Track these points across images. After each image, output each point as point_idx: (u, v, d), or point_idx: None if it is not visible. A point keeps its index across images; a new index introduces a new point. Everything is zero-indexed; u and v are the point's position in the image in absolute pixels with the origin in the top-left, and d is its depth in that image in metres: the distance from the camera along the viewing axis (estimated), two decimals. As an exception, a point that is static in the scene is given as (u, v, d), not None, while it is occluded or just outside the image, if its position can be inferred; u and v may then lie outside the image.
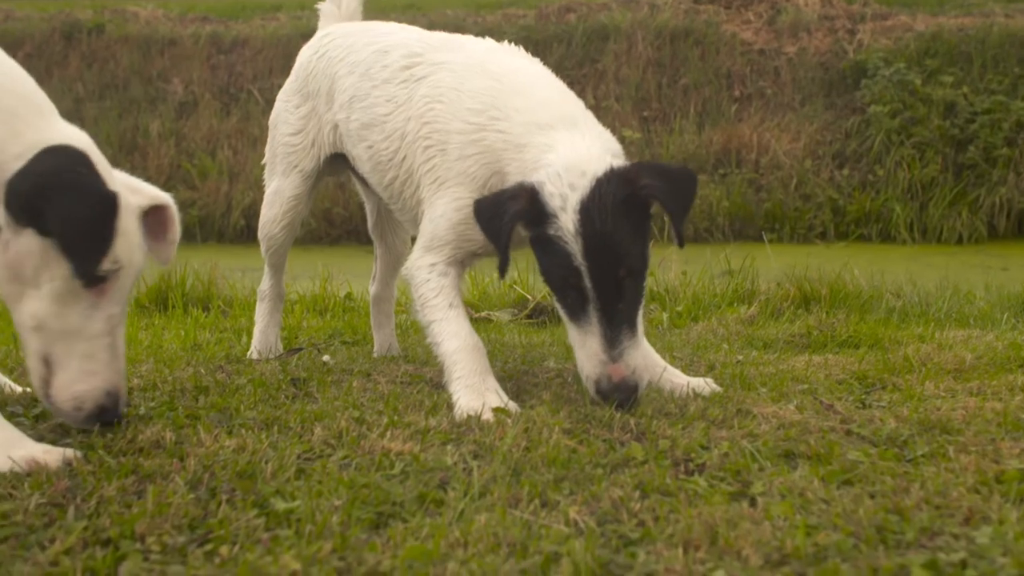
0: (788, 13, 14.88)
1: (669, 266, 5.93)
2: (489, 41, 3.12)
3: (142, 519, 1.79)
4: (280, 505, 1.89)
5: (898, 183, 12.24)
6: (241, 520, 1.82)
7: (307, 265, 6.54)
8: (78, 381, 2.27)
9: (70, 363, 2.26)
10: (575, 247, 2.54)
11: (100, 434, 2.34)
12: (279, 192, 3.57)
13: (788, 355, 3.72)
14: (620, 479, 2.07)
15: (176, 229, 2.50)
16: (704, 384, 2.95)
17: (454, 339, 2.79)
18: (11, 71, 2.32)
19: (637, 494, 1.99)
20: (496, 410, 2.58)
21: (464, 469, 2.12)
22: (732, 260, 6.17)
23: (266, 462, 2.13)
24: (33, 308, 2.23)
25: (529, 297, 5.17)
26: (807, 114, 13.51)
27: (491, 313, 5.02)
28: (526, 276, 5.52)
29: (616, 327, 2.57)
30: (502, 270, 2.67)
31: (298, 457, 2.19)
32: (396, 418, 2.53)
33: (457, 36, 3.20)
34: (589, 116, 2.86)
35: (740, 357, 3.62)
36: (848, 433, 2.45)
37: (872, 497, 1.99)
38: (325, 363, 3.44)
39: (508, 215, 2.58)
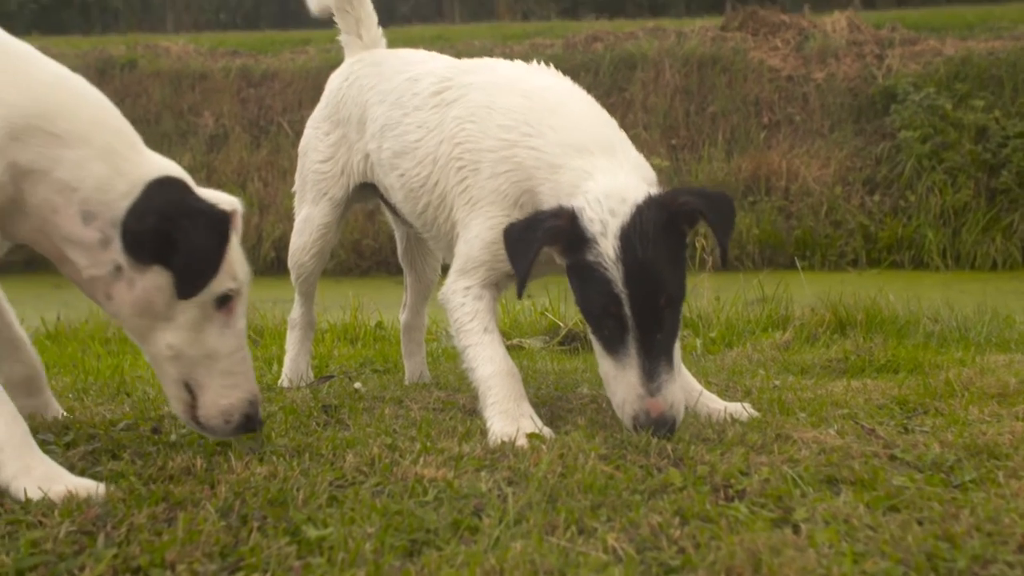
0: (816, 39, 14.88)
1: (702, 293, 5.89)
2: (519, 63, 3.11)
3: (172, 547, 1.76)
4: (312, 532, 1.86)
5: (930, 209, 12.15)
6: (273, 548, 1.79)
7: (338, 296, 6.55)
8: (223, 397, 2.33)
9: (212, 383, 2.32)
10: (616, 274, 2.50)
11: (131, 461, 2.33)
12: (309, 220, 3.56)
13: (826, 380, 3.66)
14: (659, 505, 2.02)
15: (239, 233, 2.49)
16: (741, 409, 2.90)
17: (489, 364, 2.76)
18: (103, 105, 2.30)
19: (676, 520, 1.94)
20: (531, 436, 2.53)
21: (499, 496, 2.08)
22: (764, 287, 6.11)
23: (298, 489, 2.10)
24: (169, 339, 2.26)
25: (561, 324, 5.14)
26: (836, 140, 13.46)
27: (523, 340, 4.98)
28: (557, 303, 5.49)
29: (655, 359, 2.52)
30: (520, 286, 2.62)
31: (330, 484, 2.16)
32: (429, 444, 2.50)
33: (487, 59, 3.19)
34: (624, 139, 2.83)
35: (777, 382, 3.56)
36: (892, 458, 2.39)
37: (920, 524, 1.92)
38: (356, 390, 3.41)
39: (543, 230, 2.55)
